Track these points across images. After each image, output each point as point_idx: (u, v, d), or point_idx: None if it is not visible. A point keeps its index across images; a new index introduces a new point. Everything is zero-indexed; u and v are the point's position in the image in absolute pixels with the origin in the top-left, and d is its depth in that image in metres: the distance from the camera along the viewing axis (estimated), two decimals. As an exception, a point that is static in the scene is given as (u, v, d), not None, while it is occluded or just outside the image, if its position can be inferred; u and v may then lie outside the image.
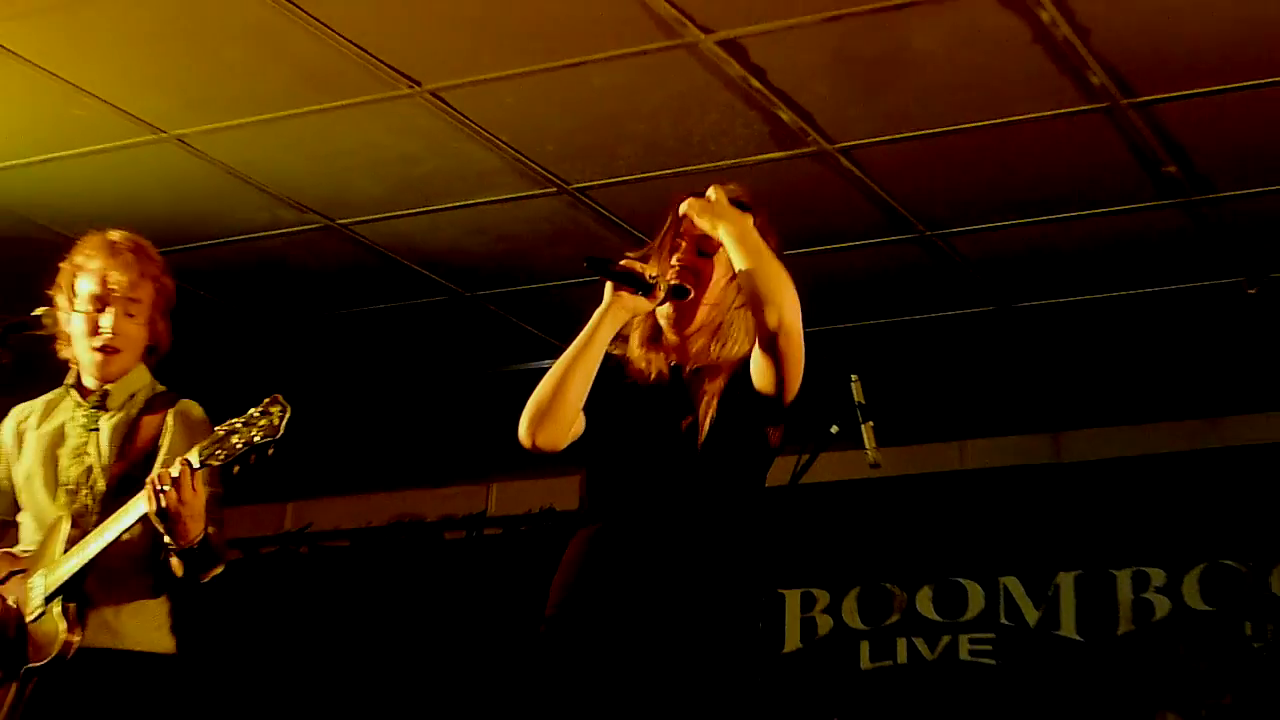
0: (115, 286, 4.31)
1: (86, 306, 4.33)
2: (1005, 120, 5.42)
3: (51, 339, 4.39)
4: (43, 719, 4.20)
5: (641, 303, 3.60)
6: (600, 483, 3.76)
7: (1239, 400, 7.68)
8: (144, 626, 4.32)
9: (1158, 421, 7.88)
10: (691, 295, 3.63)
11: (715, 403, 3.62)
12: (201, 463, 3.94)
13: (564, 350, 3.62)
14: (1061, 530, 7.91)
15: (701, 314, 3.68)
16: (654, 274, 3.59)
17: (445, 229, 6.21)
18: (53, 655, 4.13)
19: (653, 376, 3.71)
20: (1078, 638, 7.80)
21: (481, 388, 7.64)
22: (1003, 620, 7.98)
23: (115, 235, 4.41)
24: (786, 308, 3.43)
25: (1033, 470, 8.05)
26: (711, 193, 3.51)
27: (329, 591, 8.06)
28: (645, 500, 3.65)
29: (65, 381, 4.49)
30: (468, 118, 5.43)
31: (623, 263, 3.61)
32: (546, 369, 7.55)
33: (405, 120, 5.45)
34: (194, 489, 3.94)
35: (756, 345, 3.53)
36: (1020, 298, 6.75)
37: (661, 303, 3.62)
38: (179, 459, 3.96)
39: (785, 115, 5.38)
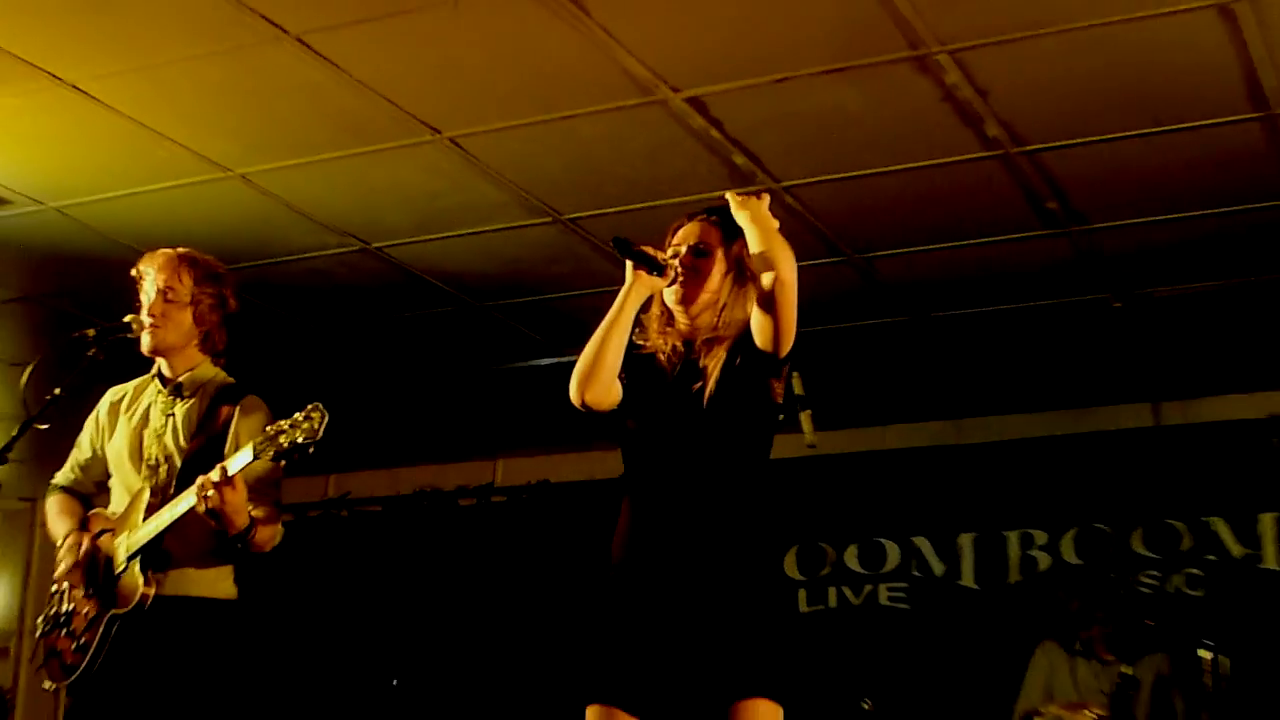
0: (158, 280, 4.38)
1: (143, 300, 4.40)
2: (919, 164, 5.47)
3: (137, 342, 4.39)
4: (125, 656, 4.19)
5: (656, 281, 3.65)
6: (633, 446, 3.77)
7: (1106, 394, 7.70)
8: (211, 579, 4.36)
9: (1041, 411, 7.89)
10: (667, 272, 3.64)
11: (719, 365, 3.62)
12: (255, 456, 3.98)
13: (591, 335, 3.70)
14: (962, 499, 7.95)
15: (703, 298, 3.69)
16: (665, 258, 3.63)
17: (460, 251, 6.23)
18: (132, 605, 4.17)
19: (669, 352, 3.72)
20: (975, 586, 7.84)
21: (489, 381, 7.68)
22: (914, 573, 8.01)
23: (166, 249, 4.49)
24: (786, 266, 3.51)
25: (939, 450, 8.06)
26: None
27: (364, 548, 8.03)
28: (666, 456, 3.67)
29: (150, 371, 4.50)
30: (480, 160, 5.46)
31: (645, 248, 3.63)
32: (544, 366, 7.57)
33: (428, 162, 5.48)
34: (234, 488, 3.98)
35: (757, 305, 3.56)
36: (932, 309, 6.79)
37: (671, 283, 3.65)
38: (218, 465, 4.01)
39: (739, 159, 5.42)
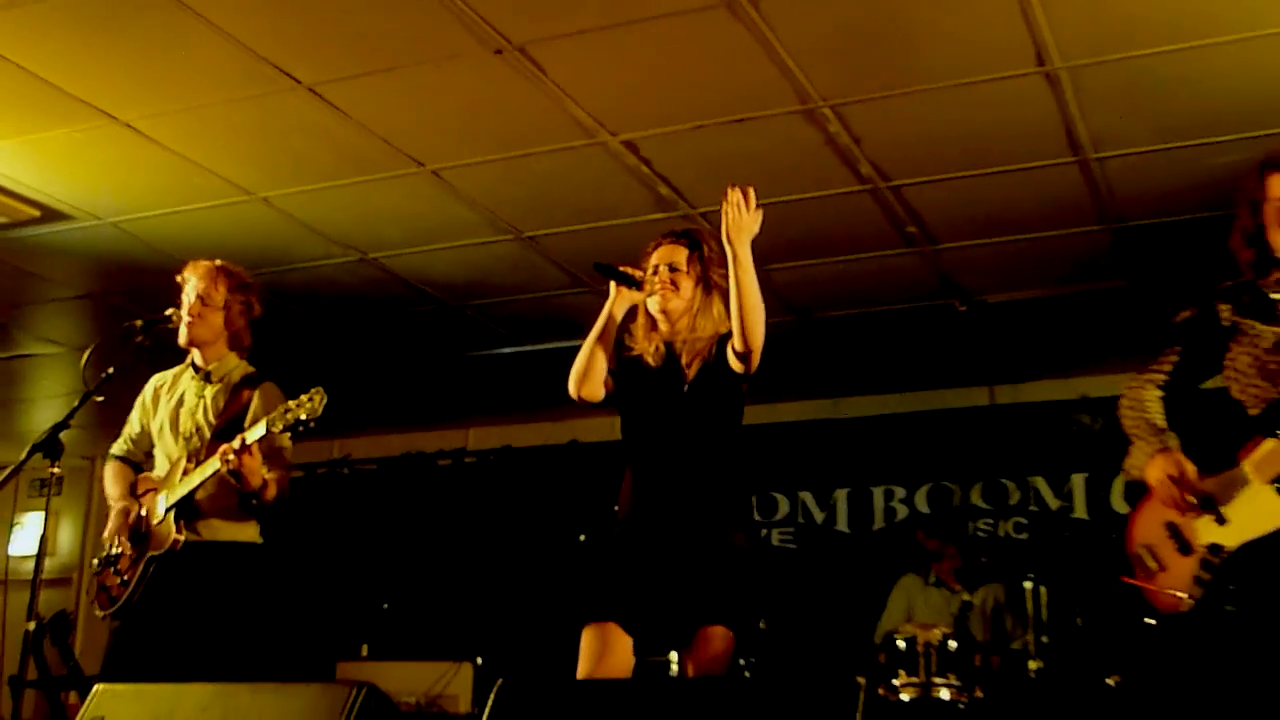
0: (197, 286, 4.45)
1: (183, 301, 4.47)
2: (807, 195, 5.49)
3: (175, 332, 4.44)
4: (163, 590, 4.28)
5: (635, 294, 3.77)
6: (629, 425, 3.81)
7: (952, 378, 7.76)
8: (236, 527, 4.41)
9: (901, 392, 7.95)
10: (645, 288, 3.75)
11: (700, 361, 3.68)
12: (268, 429, 4.06)
13: (585, 337, 3.80)
14: (838, 461, 8.01)
15: (679, 306, 3.74)
16: (640, 275, 3.75)
17: (440, 261, 6.19)
18: (165, 548, 4.27)
19: (653, 352, 3.74)
20: (848, 531, 7.87)
21: (462, 365, 7.66)
22: (800, 520, 8.04)
23: (203, 260, 4.54)
24: (759, 314, 3.53)
25: (821, 423, 8.10)
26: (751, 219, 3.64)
27: (362, 499, 7.97)
28: (657, 434, 3.72)
29: (186, 361, 4.56)
30: (456, 188, 5.43)
31: (622, 268, 3.75)
32: (506, 354, 7.49)
33: (415, 189, 5.43)
34: (251, 455, 4.07)
35: (734, 335, 3.56)
36: (815, 311, 6.78)
37: (651, 295, 3.74)
38: (239, 435, 4.10)
39: (663, 190, 5.40)
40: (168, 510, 4.29)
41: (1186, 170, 5.14)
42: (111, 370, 4.56)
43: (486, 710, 2.89)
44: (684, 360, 3.71)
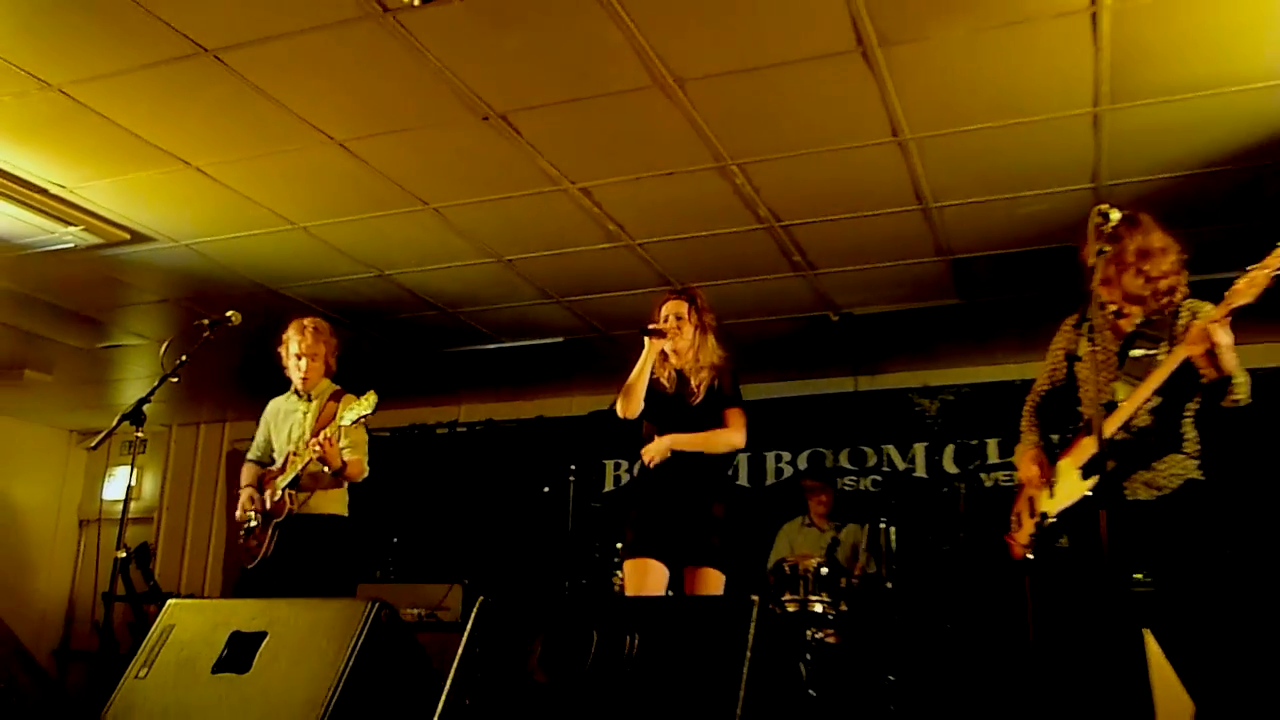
0: (303, 349, 4.75)
1: (291, 358, 4.78)
2: (719, 232, 5.48)
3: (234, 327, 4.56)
4: (282, 549, 4.62)
5: (660, 341, 4.06)
6: (655, 422, 4.12)
7: (826, 369, 7.79)
8: (331, 501, 4.71)
9: (789, 380, 7.95)
10: (669, 335, 4.08)
11: (704, 387, 4.07)
12: (339, 424, 4.50)
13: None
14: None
15: (684, 345, 4.10)
16: (660, 328, 4.08)
17: (439, 278, 6.16)
18: (282, 517, 4.62)
19: (667, 378, 4.11)
20: (748, 485, 7.88)
21: (456, 356, 7.59)
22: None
23: (306, 320, 4.82)
24: (715, 446, 4.09)
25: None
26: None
27: (377, 460, 7.99)
28: (674, 432, 4.07)
29: (291, 389, 4.86)
30: (452, 222, 5.39)
31: (651, 326, 4.07)
32: (490, 349, 7.41)
33: (421, 221, 5.39)
34: (331, 444, 4.46)
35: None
36: (724, 319, 6.76)
37: (669, 341, 4.09)
38: (325, 430, 4.52)
39: (611, 226, 5.39)
40: (284, 489, 4.61)
41: (1003, 216, 5.19)
42: (184, 358, 4.62)
43: (471, 619, 2.88)
44: (693, 383, 4.07)
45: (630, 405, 3.99)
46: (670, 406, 4.07)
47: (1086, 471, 3.41)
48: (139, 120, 4.43)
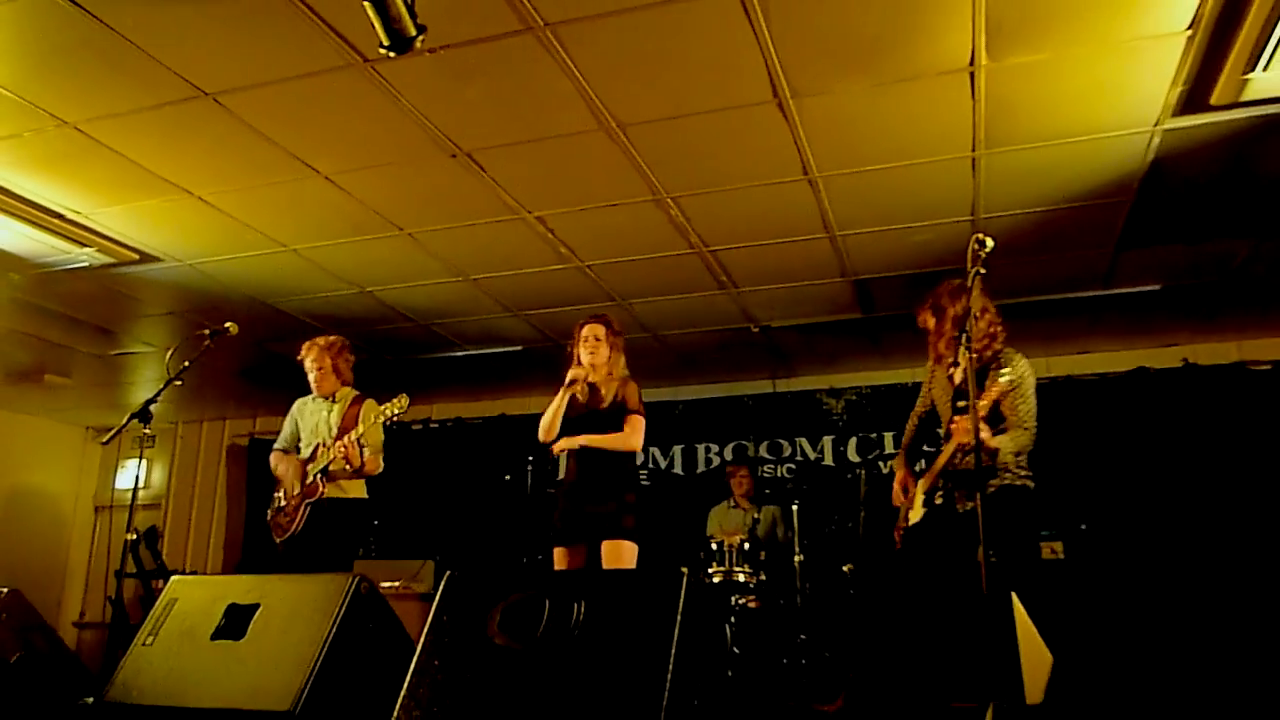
0: (314, 362, 4.78)
1: (307, 371, 4.81)
2: (656, 255, 5.47)
3: (224, 340, 4.55)
4: (311, 525, 4.58)
5: (574, 388, 4.28)
6: (576, 429, 4.24)
7: (748, 373, 7.81)
8: (355, 487, 4.72)
9: (716, 383, 7.97)
10: (590, 375, 4.26)
11: (610, 395, 4.22)
12: (387, 419, 4.54)
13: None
14: (676, 427, 7.98)
15: (601, 360, 4.28)
16: (575, 377, 4.25)
17: (414, 294, 6.09)
18: (316, 496, 4.61)
19: (581, 391, 4.27)
20: (682, 473, 7.89)
21: (428, 362, 7.50)
22: (649, 466, 7.99)
23: (317, 340, 4.85)
24: (617, 445, 4.17)
25: (664, 403, 8.01)
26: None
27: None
28: (589, 434, 4.20)
29: (315, 393, 4.84)
30: (425, 245, 5.33)
31: (570, 379, 4.23)
32: (458, 356, 7.32)
33: (397, 245, 5.33)
34: (355, 447, 4.49)
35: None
36: (660, 330, 6.78)
37: (585, 376, 4.27)
38: (348, 434, 4.52)
39: (563, 250, 5.37)
40: (317, 474, 4.60)
41: (896, 243, 5.25)
42: (188, 363, 4.52)
43: (440, 591, 2.85)
44: (603, 391, 4.23)
45: (550, 434, 4.22)
46: (584, 414, 4.23)
47: (928, 496, 3.99)
48: (146, 154, 4.34)
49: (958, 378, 3.83)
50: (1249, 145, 4.19)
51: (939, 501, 3.95)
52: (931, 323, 3.99)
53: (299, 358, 4.86)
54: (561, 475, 4.35)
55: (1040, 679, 2.72)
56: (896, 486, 4.23)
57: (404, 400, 4.51)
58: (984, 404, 3.55)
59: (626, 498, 4.09)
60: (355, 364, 4.97)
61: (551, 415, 4.21)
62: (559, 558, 4.14)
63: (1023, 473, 3.77)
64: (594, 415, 4.22)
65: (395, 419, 4.57)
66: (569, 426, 4.23)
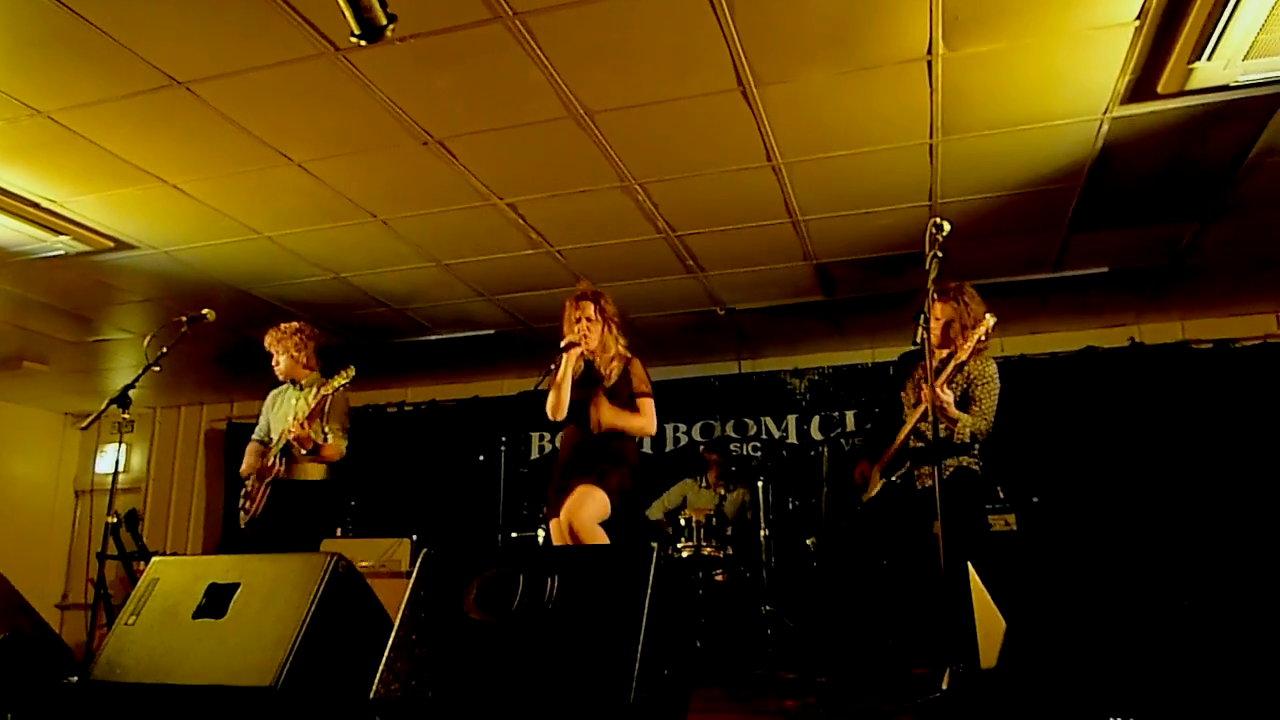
0: (279, 348, 4.75)
1: (274, 358, 4.77)
2: (624, 240, 5.45)
3: (209, 323, 4.53)
4: (271, 507, 4.54)
5: (575, 352, 3.95)
6: (570, 409, 3.96)
7: (716, 355, 7.82)
8: (312, 468, 4.64)
9: (682, 364, 7.98)
10: (583, 345, 3.96)
11: (615, 373, 3.97)
12: (332, 392, 4.48)
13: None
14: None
15: (594, 340, 3.99)
16: (574, 340, 3.94)
17: (387, 279, 6.04)
18: (270, 477, 4.58)
19: (578, 371, 3.99)
20: (650, 452, 7.85)
21: (403, 346, 7.45)
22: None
23: (282, 326, 4.80)
24: (624, 425, 3.94)
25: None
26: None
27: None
28: (580, 412, 3.96)
29: (286, 381, 4.82)
30: (398, 231, 5.29)
31: (565, 342, 3.93)
32: (432, 340, 7.30)
33: (370, 232, 5.28)
34: (305, 428, 4.42)
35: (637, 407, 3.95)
36: (631, 314, 6.78)
37: (582, 348, 3.97)
38: (301, 417, 4.45)
39: (534, 235, 5.34)
40: (275, 456, 4.57)
41: (857, 227, 5.27)
42: (165, 350, 4.48)
43: (416, 568, 2.84)
44: (602, 370, 3.96)
45: (560, 410, 3.90)
46: (582, 389, 3.97)
47: (883, 472, 4.15)
48: (120, 143, 4.26)
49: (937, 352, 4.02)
50: (1194, 132, 4.24)
51: (897, 480, 4.04)
52: (948, 312, 4.01)
53: (265, 346, 4.79)
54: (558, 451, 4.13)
55: (994, 644, 2.76)
56: (857, 470, 4.42)
57: (350, 371, 4.49)
58: (951, 366, 3.84)
59: (614, 468, 3.84)
60: (326, 349, 4.92)
61: (561, 389, 3.90)
62: (553, 531, 3.88)
63: (975, 459, 4.01)
64: (592, 391, 3.97)
65: (343, 389, 4.53)
66: (574, 408, 3.95)
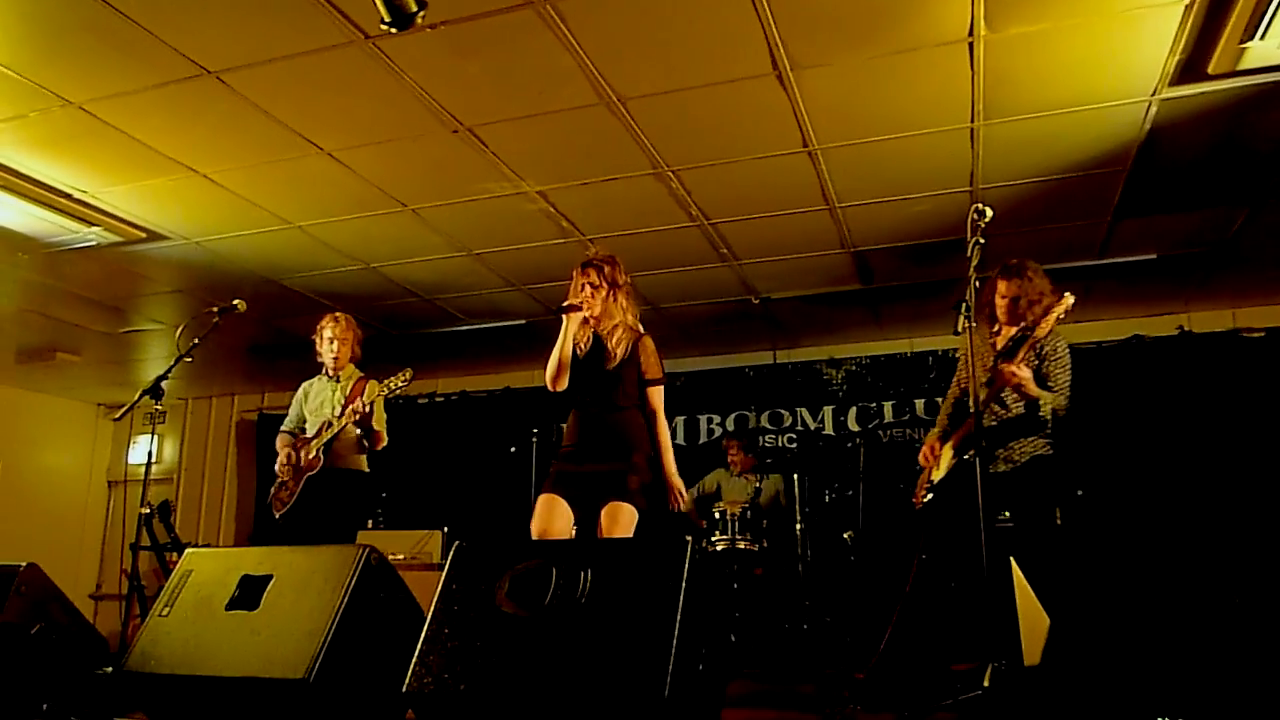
0: (335, 333, 4.75)
1: (325, 343, 4.76)
2: (656, 229, 5.45)
3: (233, 317, 4.60)
4: (313, 498, 4.59)
5: (577, 316, 3.69)
6: (575, 386, 3.75)
7: (750, 345, 7.79)
8: (358, 459, 4.71)
9: (720, 354, 7.95)
10: (582, 307, 3.70)
11: (620, 349, 3.71)
12: (391, 392, 4.53)
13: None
14: (679, 399, 7.97)
15: (599, 308, 3.75)
16: (575, 303, 3.69)
17: (418, 269, 6.08)
18: (315, 471, 4.61)
19: (585, 344, 3.77)
20: (684, 444, 7.89)
21: (434, 337, 7.50)
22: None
23: (337, 314, 4.82)
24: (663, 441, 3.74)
25: (668, 374, 8.06)
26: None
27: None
28: (592, 393, 3.72)
29: (323, 371, 4.83)
30: (429, 221, 5.32)
31: (565, 303, 3.70)
32: (463, 330, 7.32)
33: (401, 221, 5.32)
34: (371, 411, 4.52)
35: (649, 394, 3.75)
36: (662, 304, 6.78)
37: (585, 313, 3.72)
38: (359, 401, 4.54)
39: (564, 224, 5.35)
40: (319, 450, 4.58)
41: (895, 214, 5.23)
42: (197, 341, 4.52)
43: (449, 561, 2.86)
44: (610, 345, 3.73)
45: (560, 380, 3.70)
46: (585, 370, 3.75)
47: (957, 451, 3.99)
48: (151, 133, 4.32)
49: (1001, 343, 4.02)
50: (1246, 114, 4.16)
51: (969, 457, 3.87)
52: (1013, 289, 3.94)
53: (319, 328, 4.80)
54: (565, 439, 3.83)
55: (1038, 641, 2.73)
56: (925, 449, 4.24)
57: (407, 374, 4.47)
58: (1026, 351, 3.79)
59: (634, 458, 3.60)
60: (363, 341, 4.98)
61: (560, 356, 3.70)
62: (539, 505, 3.61)
63: (1048, 441, 3.92)
64: (598, 373, 3.72)
65: (400, 391, 4.56)
66: (589, 384, 3.73)
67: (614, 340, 3.71)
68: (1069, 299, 3.69)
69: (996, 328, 4.06)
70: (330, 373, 4.81)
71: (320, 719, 2.75)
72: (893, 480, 4.44)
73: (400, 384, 4.50)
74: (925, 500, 4.21)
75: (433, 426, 8.50)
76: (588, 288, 3.73)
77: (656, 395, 3.72)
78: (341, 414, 4.60)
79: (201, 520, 9.39)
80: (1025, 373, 3.75)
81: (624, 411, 3.67)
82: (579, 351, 3.75)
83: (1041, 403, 3.79)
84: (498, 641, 2.58)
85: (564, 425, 3.83)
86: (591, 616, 2.55)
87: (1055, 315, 3.69)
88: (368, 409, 4.53)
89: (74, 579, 9.24)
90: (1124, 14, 3.49)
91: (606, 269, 3.77)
